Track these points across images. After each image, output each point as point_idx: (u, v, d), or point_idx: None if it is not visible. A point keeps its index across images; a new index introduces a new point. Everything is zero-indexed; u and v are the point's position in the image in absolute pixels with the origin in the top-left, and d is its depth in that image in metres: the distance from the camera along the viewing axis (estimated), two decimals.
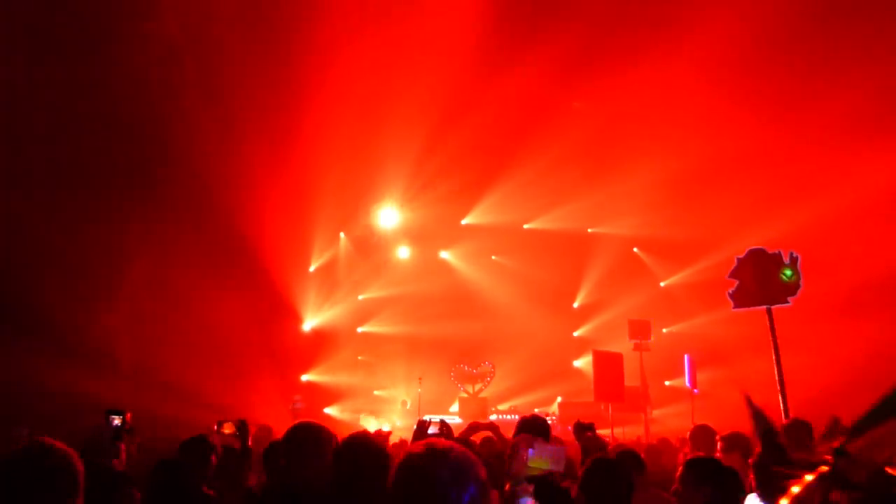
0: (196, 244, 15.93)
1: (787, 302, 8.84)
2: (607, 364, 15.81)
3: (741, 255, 9.27)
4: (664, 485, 5.22)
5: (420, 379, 16.77)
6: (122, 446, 5.27)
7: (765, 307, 8.99)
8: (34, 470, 2.48)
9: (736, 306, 9.20)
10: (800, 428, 5.94)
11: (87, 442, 5.02)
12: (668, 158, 17.25)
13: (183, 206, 15.94)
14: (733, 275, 9.24)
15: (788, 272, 8.77)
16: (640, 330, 17.11)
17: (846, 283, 15.38)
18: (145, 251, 15.55)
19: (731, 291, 9.26)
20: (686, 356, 16.06)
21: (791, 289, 8.82)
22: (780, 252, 8.99)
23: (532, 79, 16.50)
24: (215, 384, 14.60)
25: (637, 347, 17.01)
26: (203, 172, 15.34)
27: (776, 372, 8.68)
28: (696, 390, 15.52)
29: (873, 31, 14.16)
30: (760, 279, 8.91)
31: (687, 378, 15.71)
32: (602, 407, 16.30)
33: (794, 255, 8.92)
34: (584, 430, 5.15)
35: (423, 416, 5.31)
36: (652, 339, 17.47)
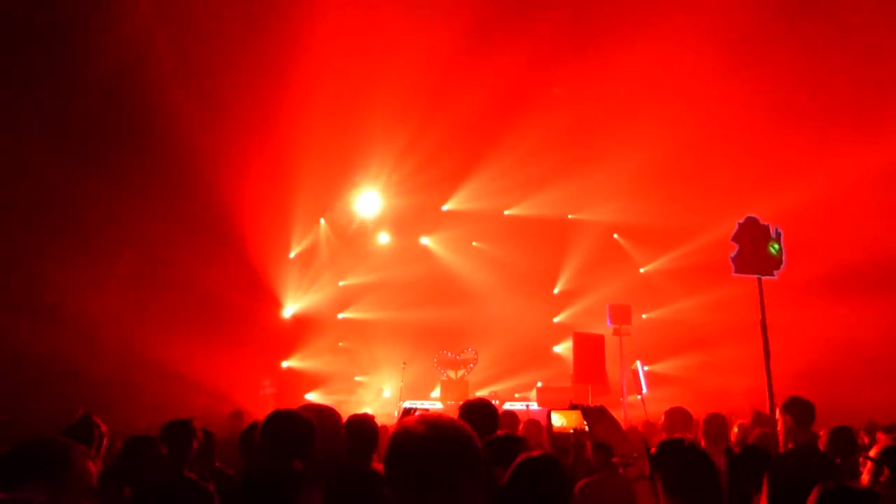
0: (176, 230, 15.83)
1: (773, 275, 8.93)
2: (588, 346, 15.83)
3: (741, 220, 9.32)
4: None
5: (404, 365, 16.74)
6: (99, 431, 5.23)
7: (756, 277, 9.08)
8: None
9: (736, 271, 9.23)
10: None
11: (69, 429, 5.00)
12: (648, 145, 17.34)
13: (162, 193, 15.81)
14: (735, 238, 9.27)
15: (776, 246, 8.88)
16: (620, 315, 17.13)
17: (824, 267, 15.56)
18: (127, 239, 15.45)
19: (733, 255, 9.28)
20: (638, 362, 16.32)
21: (776, 263, 8.93)
22: (768, 225, 9.09)
23: (512, 64, 16.47)
24: (195, 370, 14.56)
25: (617, 332, 17.05)
26: (181, 158, 15.22)
27: (763, 347, 8.75)
28: (645, 391, 15.89)
29: (857, 19, 14.25)
30: (755, 248, 8.98)
31: (643, 384, 16.03)
32: (590, 392, 16.37)
33: (778, 230, 9.04)
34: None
35: (405, 402, 5.31)
36: (632, 324, 17.54)
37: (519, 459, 3.31)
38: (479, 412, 4.58)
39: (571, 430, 3.59)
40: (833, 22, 14.68)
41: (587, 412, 3.76)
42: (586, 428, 3.67)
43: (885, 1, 14.23)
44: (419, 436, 2.17)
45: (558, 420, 3.71)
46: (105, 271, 15.09)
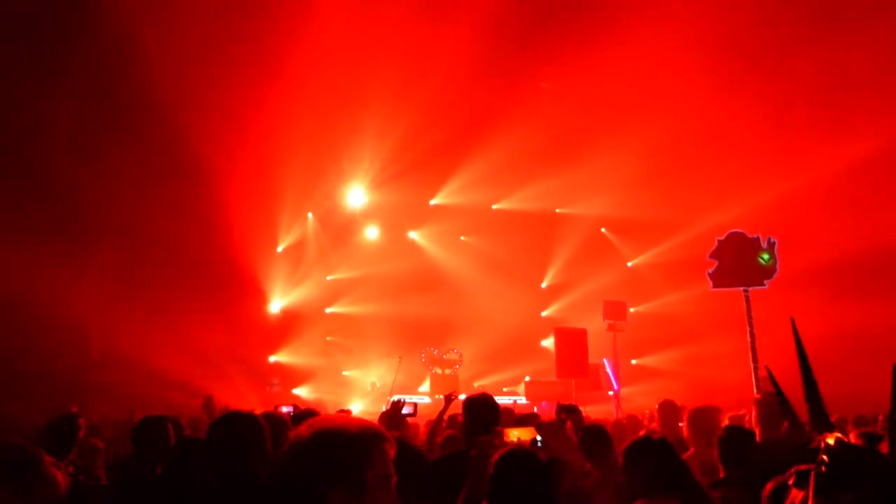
0: (161, 224, 15.75)
1: (764, 285, 9.04)
2: (570, 340, 15.93)
3: (721, 237, 9.42)
4: None
5: (400, 359, 16.68)
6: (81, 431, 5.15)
7: (741, 289, 9.17)
8: None
9: (715, 286, 9.31)
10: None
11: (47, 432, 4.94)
12: (635, 139, 17.37)
13: (147, 186, 15.72)
14: (713, 256, 9.36)
15: (766, 256, 8.96)
16: (615, 311, 17.17)
17: (811, 263, 15.63)
18: (113, 231, 15.35)
19: (710, 272, 9.37)
20: (605, 360, 16.39)
21: (768, 272, 9.03)
22: (758, 236, 9.19)
23: (500, 58, 16.48)
24: (182, 364, 14.50)
25: (611, 328, 17.08)
26: (167, 151, 15.14)
27: (751, 352, 8.84)
28: (617, 388, 15.96)
29: (844, 14, 14.34)
30: (739, 262, 9.08)
31: (613, 380, 16.08)
32: (574, 386, 16.41)
33: (772, 240, 9.14)
34: (562, 413, 5.16)
35: (395, 396, 5.29)
36: (626, 320, 17.58)
37: (499, 454, 3.34)
38: (481, 406, 4.65)
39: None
40: (812, 24, 14.80)
41: (542, 427, 3.75)
42: (539, 444, 3.65)
43: (861, 4, 14.41)
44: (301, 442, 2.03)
45: (511, 436, 3.67)
46: (87, 263, 14.98)
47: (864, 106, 15.56)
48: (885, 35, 14.25)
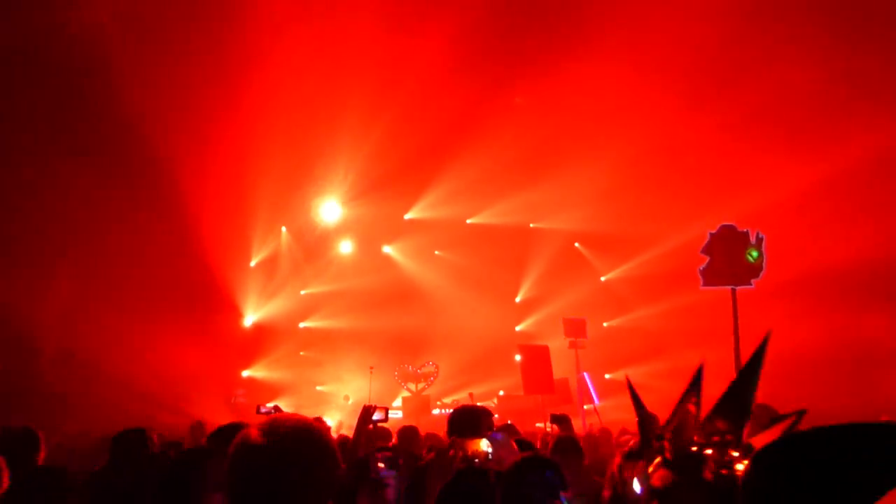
0: (132, 237, 15.57)
1: (751, 284, 8.65)
2: (534, 357, 16.02)
3: (714, 231, 8.93)
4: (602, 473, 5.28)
5: (371, 369, 16.54)
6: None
7: (729, 288, 8.76)
8: None
9: (704, 284, 8.87)
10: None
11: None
12: (609, 154, 17.46)
13: (117, 199, 15.54)
14: (705, 251, 8.88)
15: (755, 253, 8.58)
16: (575, 328, 17.23)
17: (791, 274, 15.73)
18: (79, 240, 15.12)
19: (701, 268, 8.92)
20: (585, 374, 16.39)
21: (755, 270, 8.62)
22: (747, 231, 8.73)
23: (473, 74, 16.53)
24: (151, 378, 14.29)
25: (573, 345, 17.11)
26: (139, 162, 14.99)
27: (735, 357, 8.55)
28: (597, 402, 15.93)
29: (814, 24, 14.50)
30: (729, 258, 8.62)
31: (594, 394, 16.08)
32: (542, 402, 16.40)
33: (760, 235, 8.72)
34: (554, 422, 5.35)
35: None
36: (588, 336, 17.58)
37: (517, 459, 3.48)
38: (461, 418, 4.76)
39: (476, 459, 3.63)
40: (786, 34, 14.97)
41: (492, 440, 3.83)
42: (490, 455, 3.71)
43: (841, 12, 14.55)
44: (259, 447, 1.98)
45: (466, 446, 3.72)
46: (50, 274, 14.74)
47: (836, 118, 15.69)
48: (860, 46, 14.44)
